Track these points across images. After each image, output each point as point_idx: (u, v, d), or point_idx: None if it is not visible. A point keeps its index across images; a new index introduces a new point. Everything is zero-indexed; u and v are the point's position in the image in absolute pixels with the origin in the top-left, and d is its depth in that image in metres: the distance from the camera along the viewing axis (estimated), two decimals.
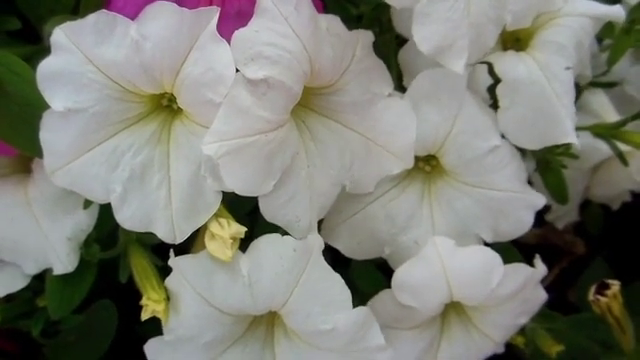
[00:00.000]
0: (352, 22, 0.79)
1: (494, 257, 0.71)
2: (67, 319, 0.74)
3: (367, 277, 0.86)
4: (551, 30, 0.73)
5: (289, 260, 0.65)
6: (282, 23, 0.60)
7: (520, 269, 0.72)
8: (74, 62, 0.60)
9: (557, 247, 1.17)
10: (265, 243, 0.65)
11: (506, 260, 0.72)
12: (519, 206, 0.74)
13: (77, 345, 0.80)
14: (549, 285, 0.77)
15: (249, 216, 0.72)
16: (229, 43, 0.60)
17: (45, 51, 0.73)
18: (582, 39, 0.74)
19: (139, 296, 0.69)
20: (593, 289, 0.78)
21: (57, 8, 0.78)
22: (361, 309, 0.68)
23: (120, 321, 0.82)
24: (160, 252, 0.70)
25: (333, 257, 0.72)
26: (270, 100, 0.60)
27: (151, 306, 0.65)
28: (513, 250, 0.83)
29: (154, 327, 0.68)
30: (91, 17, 0.59)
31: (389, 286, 0.73)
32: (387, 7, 0.76)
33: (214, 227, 0.64)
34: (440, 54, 0.64)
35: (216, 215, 0.64)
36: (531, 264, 0.74)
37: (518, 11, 0.70)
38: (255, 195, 0.63)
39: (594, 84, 0.93)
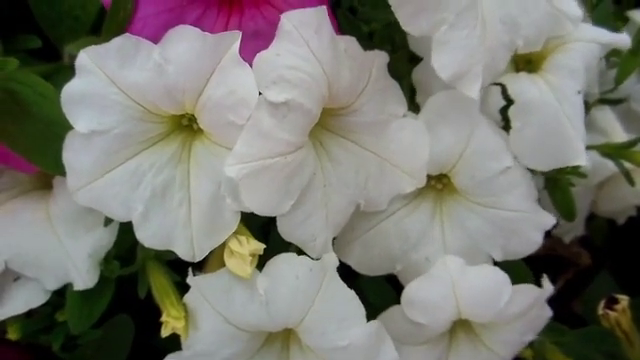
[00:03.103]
0: (364, 40, 0.80)
1: (503, 277, 0.73)
2: (86, 333, 0.75)
3: (376, 290, 0.87)
4: (563, 54, 0.74)
5: (305, 279, 0.66)
6: (303, 47, 0.61)
7: (528, 289, 0.74)
8: (98, 85, 0.61)
9: (563, 259, 1.18)
10: (282, 262, 0.66)
11: (515, 275, 0.73)
12: (529, 226, 0.75)
13: (94, 358, 0.81)
14: (554, 296, 0.78)
15: (262, 229, 0.74)
16: (246, 63, 0.61)
17: (65, 69, 0.75)
18: (591, 63, 0.75)
19: (155, 309, 0.70)
20: (602, 303, 0.79)
21: (76, 27, 0.78)
22: (373, 323, 0.69)
23: (136, 334, 0.83)
24: (176, 267, 0.72)
25: (342, 269, 0.73)
26: (290, 122, 0.61)
27: (171, 323, 0.66)
28: (521, 264, 0.84)
29: (170, 340, 0.68)
30: (115, 41, 0.61)
31: (398, 299, 0.74)
32: (399, 26, 0.77)
33: (233, 244, 0.65)
34: (457, 80, 0.65)
35: (235, 232, 0.65)
36: (537, 275, 0.76)
37: (530, 36, 0.71)
38: (273, 215, 0.64)
39: (601, 101, 0.95)
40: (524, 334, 0.77)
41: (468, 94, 0.66)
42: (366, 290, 0.83)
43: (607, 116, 0.99)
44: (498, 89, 0.73)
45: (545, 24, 0.71)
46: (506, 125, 0.73)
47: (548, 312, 0.77)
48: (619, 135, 0.96)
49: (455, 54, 0.64)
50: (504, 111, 0.73)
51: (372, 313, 0.72)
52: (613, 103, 0.97)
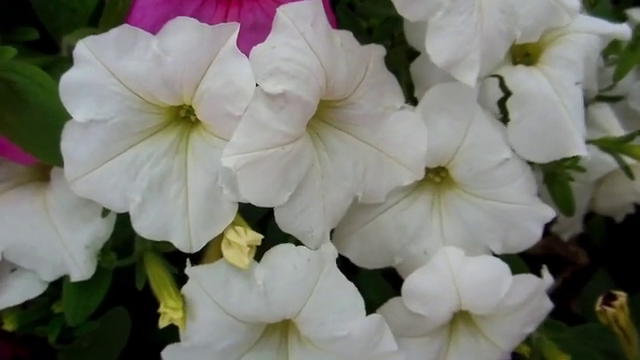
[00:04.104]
0: (363, 35, 0.80)
1: (503, 267, 0.73)
2: (82, 325, 0.75)
3: (374, 285, 0.87)
4: (561, 46, 0.75)
5: (303, 270, 0.66)
6: (299, 39, 0.61)
7: (528, 280, 0.73)
8: (96, 75, 0.61)
9: (561, 257, 1.18)
10: (279, 253, 0.66)
11: (513, 271, 0.73)
12: (528, 218, 0.75)
13: (91, 351, 0.81)
14: (552, 295, 0.78)
15: (260, 222, 0.74)
16: (245, 54, 0.61)
17: (63, 61, 0.75)
18: (590, 55, 0.76)
19: (151, 301, 0.70)
20: (600, 300, 0.79)
21: (74, 19, 0.79)
22: (374, 316, 0.69)
23: (132, 326, 0.83)
24: (173, 259, 0.72)
25: (341, 265, 0.73)
26: (288, 114, 0.61)
27: (169, 314, 0.66)
28: (520, 261, 0.84)
29: (167, 332, 0.68)
30: (113, 31, 0.61)
31: (396, 294, 0.74)
32: (398, 20, 0.78)
33: (231, 235, 0.65)
34: (453, 67, 0.66)
35: (232, 223, 0.65)
36: (535, 274, 0.75)
37: (528, 26, 0.71)
38: (271, 206, 0.64)
39: (600, 98, 0.95)
40: (524, 326, 0.77)
41: (464, 82, 0.66)
42: (364, 286, 0.83)
43: (605, 113, 1.00)
44: (496, 81, 0.73)
45: (543, 14, 0.71)
46: (504, 117, 0.73)
47: (548, 303, 0.77)
48: (617, 132, 0.96)
49: (450, 40, 0.64)
50: (502, 103, 0.73)
51: (369, 308, 0.72)
52: (611, 100, 0.98)
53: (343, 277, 0.67)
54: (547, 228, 0.77)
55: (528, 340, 0.81)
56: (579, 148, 0.72)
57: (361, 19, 0.86)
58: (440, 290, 0.72)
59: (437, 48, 0.65)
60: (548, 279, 0.75)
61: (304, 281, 0.66)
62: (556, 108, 0.72)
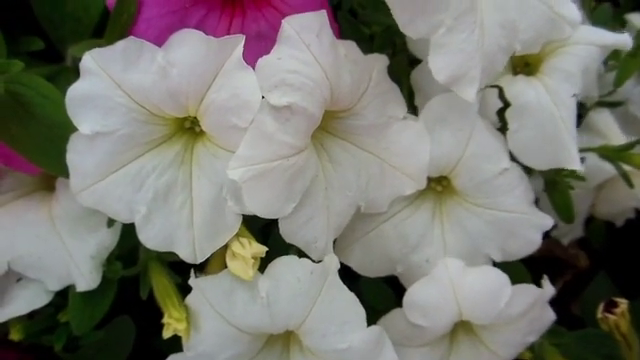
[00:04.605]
0: (365, 43, 0.81)
1: (503, 278, 0.73)
2: (88, 334, 0.75)
3: (376, 292, 0.87)
4: (560, 58, 0.75)
5: (307, 282, 0.66)
6: (304, 51, 0.62)
7: (528, 290, 0.74)
8: (102, 87, 0.62)
9: (561, 260, 1.18)
10: (283, 265, 0.67)
11: (513, 276, 0.74)
12: (527, 227, 0.75)
13: (96, 359, 0.81)
14: (553, 298, 0.78)
15: (262, 230, 0.74)
16: (248, 64, 0.61)
17: (68, 71, 0.76)
18: (589, 66, 0.76)
19: (155, 310, 0.70)
20: (602, 307, 0.80)
21: (79, 28, 0.79)
22: (375, 328, 0.69)
23: (137, 335, 0.83)
24: (177, 268, 0.72)
25: (342, 271, 0.74)
26: (293, 126, 0.61)
27: (173, 324, 0.66)
28: (520, 266, 0.84)
29: (171, 342, 0.69)
30: (120, 44, 0.61)
31: (398, 301, 0.74)
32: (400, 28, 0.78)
33: (235, 246, 0.65)
34: (454, 83, 0.66)
35: (237, 235, 0.66)
36: (536, 277, 0.76)
37: (528, 39, 0.72)
38: (275, 217, 0.65)
39: (600, 104, 0.95)
40: (525, 335, 0.77)
41: (465, 97, 0.66)
42: (366, 292, 0.83)
43: (605, 118, 1.00)
44: (495, 91, 0.74)
45: (544, 27, 0.72)
46: (503, 127, 0.74)
47: (550, 314, 0.77)
48: (617, 137, 0.96)
49: (452, 57, 0.64)
50: (501, 113, 0.74)
51: (372, 315, 0.72)
52: (611, 106, 0.97)
53: (345, 289, 0.67)
54: (547, 232, 0.78)
55: (530, 345, 0.81)
56: (574, 162, 0.73)
57: (363, 26, 0.86)
58: (441, 301, 0.72)
59: (439, 66, 0.65)
60: (549, 289, 0.75)
61: (307, 293, 0.66)
62: (554, 120, 0.72)
